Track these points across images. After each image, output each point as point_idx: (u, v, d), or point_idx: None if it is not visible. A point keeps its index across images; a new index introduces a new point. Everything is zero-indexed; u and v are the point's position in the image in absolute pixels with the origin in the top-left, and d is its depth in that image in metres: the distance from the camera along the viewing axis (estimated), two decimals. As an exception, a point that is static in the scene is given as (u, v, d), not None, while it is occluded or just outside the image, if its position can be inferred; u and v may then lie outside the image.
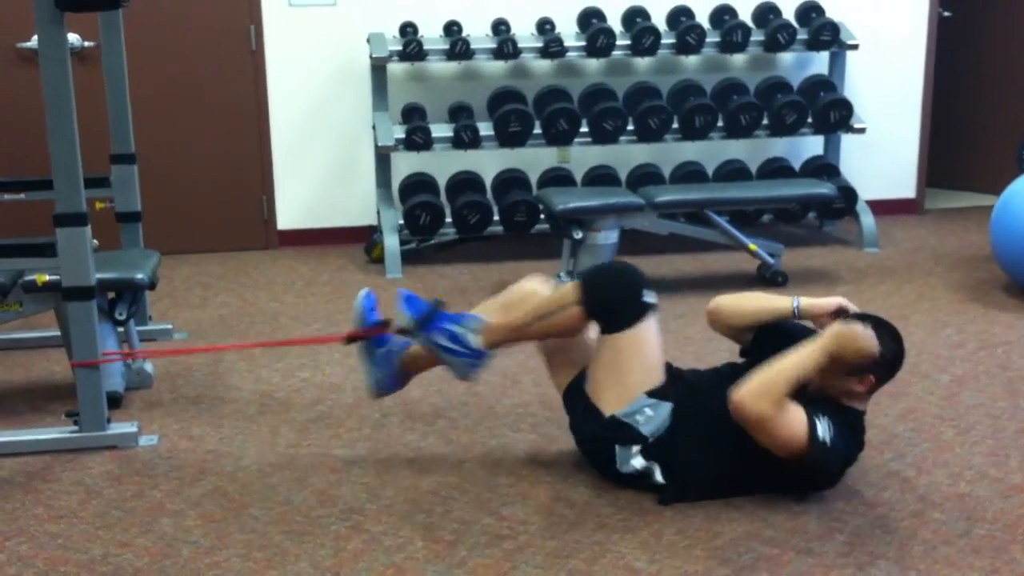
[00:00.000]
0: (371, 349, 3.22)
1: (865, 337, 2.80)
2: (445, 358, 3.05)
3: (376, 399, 3.36)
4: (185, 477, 3.16)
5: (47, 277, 3.41)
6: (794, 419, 2.77)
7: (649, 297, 2.98)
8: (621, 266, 3.12)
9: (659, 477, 2.94)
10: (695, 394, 3.00)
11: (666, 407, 2.94)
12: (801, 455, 2.79)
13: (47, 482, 3.14)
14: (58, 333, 3.77)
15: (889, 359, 2.89)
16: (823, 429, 2.79)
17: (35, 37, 3.20)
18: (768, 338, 3.07)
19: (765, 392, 2.75)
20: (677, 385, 3.01)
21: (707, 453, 2.92)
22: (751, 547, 2.71)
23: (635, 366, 2.96)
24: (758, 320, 3.14)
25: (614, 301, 2.97)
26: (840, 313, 2.98)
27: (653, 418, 2.93)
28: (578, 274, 3.08)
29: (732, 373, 3.09)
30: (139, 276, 3.70)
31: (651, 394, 2.94)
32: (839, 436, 2.83)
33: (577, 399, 3.07)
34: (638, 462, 2.95)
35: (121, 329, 3.79)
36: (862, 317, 2.93)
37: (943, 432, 3.43)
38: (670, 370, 3.07)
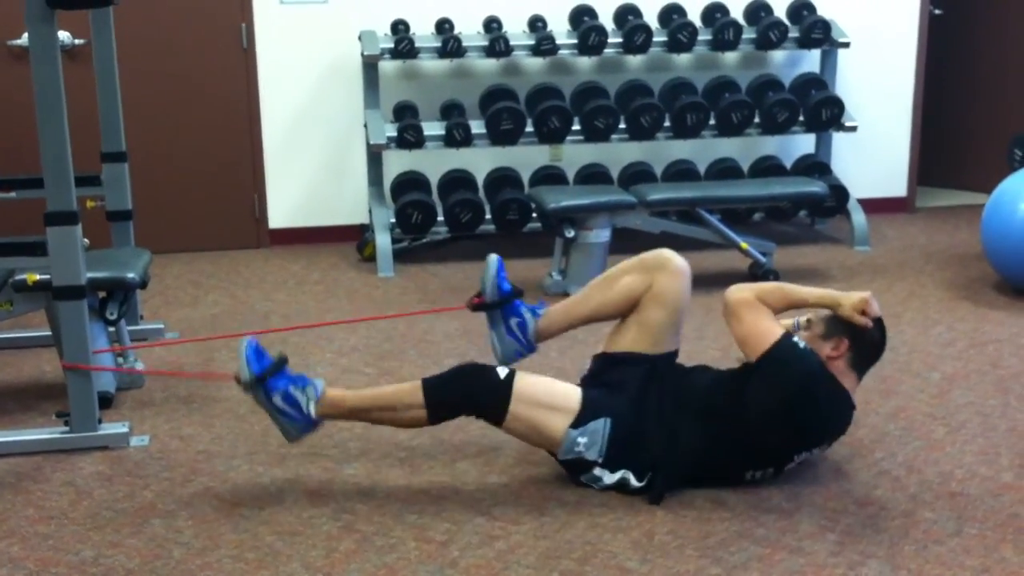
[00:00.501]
0: (501, 318, 3.20)
1: (865, 299, 2.93)
2: (276, 419, 2.95)
3: (507, 366, 3.17)
4: (176, 477, 3.15)
5: (38, 276, 3.40)
6: (769, 319, 2.93)
7: (503, 372, 2.96)
8: (458, 371, 3.01)
9: (634, 482, 2.96)
10: (664, 383, 3.02)
11: (598, 424, 2.93)
12: (770, 350, 2.86)
13: (38, 483, 3.13)
14: (49, 332, 3.77)
15: (868, 338, 2.96)
16: (799, 340, 2.90)
17: (26, 34, 3.19)
18: None
19: (751, 287, 3.01)
20: (633, 379, 3.02)
21: (685, 436, 2.94)
22: (743, 546, 2.71)
23: (542, 419, 2.94)
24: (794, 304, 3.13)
25: (472, 403, 2.95)
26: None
27: (591, 442, 2.93)
28: (424, 381, 2.97)
29: (705, 369, 3.16)
30: (130, 275, 3.69)
31: (573, 426, 2.93)
32: (816, 360, 2.89)
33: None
34: (608, 477, 2.97)
35: (112, 328, 3.78)
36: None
37: (934, 431, 3.44)
38: (605, 364, 3.12)
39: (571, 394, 2.99)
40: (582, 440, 2.93)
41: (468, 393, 2.95)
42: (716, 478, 2.99)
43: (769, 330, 2.90)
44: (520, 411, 2.93)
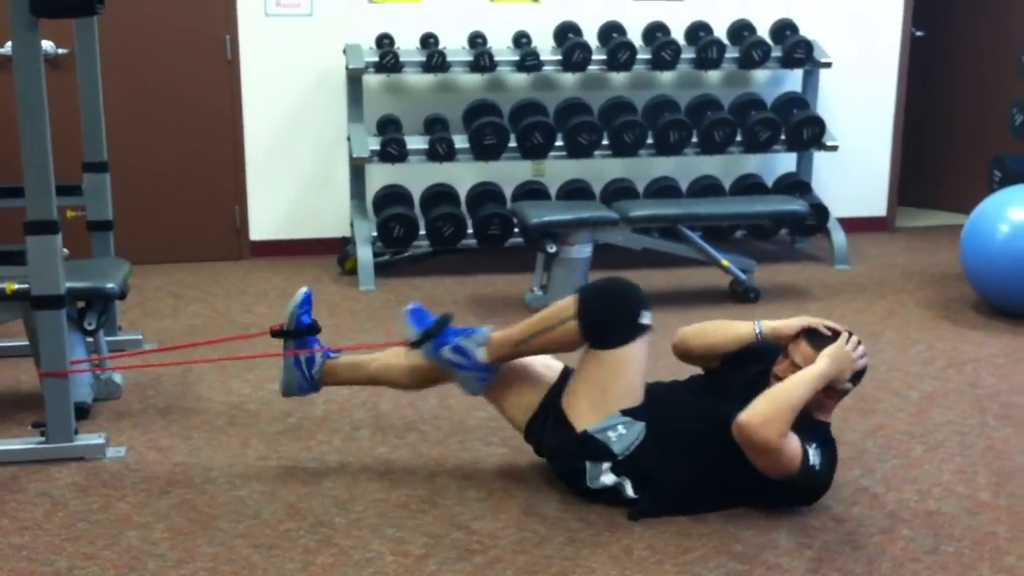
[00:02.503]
0: (292, 348, 3.24)
1: (860, 356, 2.91)
2: (452, 373, 3.05)
3: (283, 396, 3.33)
4: (153, 489, 3.13)
5: (16, 285, 3.38)
6: (794, 448, 2.80)
7: (645, 319, 2.96)
8: (622, 285, 3.03)
9: (630, 492, 2.94)
10: (666, 408, 3.00)
11: (639, 426, 2.93)
12: (790, 478, 2.83)
13: (12, 493, 3.10)
14: (26, 342, 3.74)
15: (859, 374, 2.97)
16: (813, 455, 2.84)
17: (9, 43, 3.18)
18: (734, 359, 3.14)
19: (772, 420, 2.75)
20: (650, 401, 3.01)
21: (678, 467, 2.92)
22: (721, 562, 2.71)
23: (617, 385, 2.94)
24: (725, 350, 3.15)
25: (610, 319, 2.94)
26: (807, 333, 2.98)
27: (625, 436, 2.92)
28: (579, 287, 3.06)
29: (703, 386, 3.12)
30: (109, 285, 3.67)
31: (626, 412, 2.94)
32: (826, 461, 2.88)
33: (546, 417, 3.05)
34: (608, 478, 2.94)
35: (90, 339, 3.76)
36: (835, 332, 2.96)
37: (912, 449, 3.45)
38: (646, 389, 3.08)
39: (642, 389, 3.00)
40: (621, 429, 2.92)
41: (616, 308, 2.94)
42: (701, 510, 2.97)
43: (788, 464, 2.81)
44: (613, 361, 2.93)
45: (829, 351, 2.88)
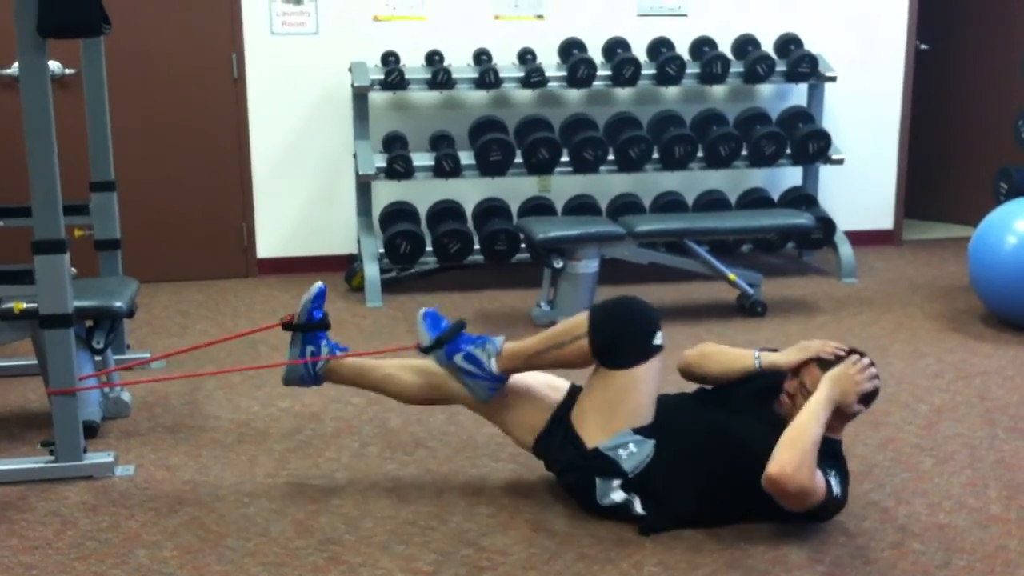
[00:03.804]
0: (300, 341, 3.24)
1: (868, 378, 2.87)
2: (463, 380, 3.05)
3: (284, 384, 3.33)
4: (162, 507, 3.13)
5: (24, 305, 3.39)
6: (821, 485, 2.78)
7: (658, 339, 2.95)
8: (634, 305, 3.02)
9: (639, 509, 2.93)
10: (674, 423, 2.99)
11: (649, 444, 2.92)
12: (816, 510, 2.83)
13: (22, 512, 3.10)
14: (35, 361, 3.75)
15: (871, 396, 2.93)
16: (835, 484, 2.83)
17: (16, 64, 3.19)
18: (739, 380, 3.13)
19: (801, 464, 2.71)
20: (658, 416, 3.00)
21: (687, 483, 2.92)
22: (731, 578, 2.70)
23: (628, 403, 2.94)
24: (726, 379, 3.13)
25: (621, 340, 2.94)
26: (810, 363, 2.96)
27: (636, 454, 2.91)
28: (591, 306, 3.07)
29: (711, 400, 3.11)
30: (117, 304, 3.68)
31: (637, 431, 2.93)
32: (843, 485, 2.87)
33: (555, 433, 3.04)
34: (618, 495, 2.93)
35: (98, 358, 3.76)
36: (847, 349, 2.95)
37: (922, 462, 3.44)
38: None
39: (653, 408, 2.98)
40: (632, 447, 2.91)
41: (627, 329, 2.94)
42: (712, 524, 2.96)
43: (816, 499, 2.79)
44: (625, 381, 2.92)
45: (831, 374, 2.86)
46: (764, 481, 2.73)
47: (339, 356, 3.27)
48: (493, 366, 3.01)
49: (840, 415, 2.89)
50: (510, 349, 3.04)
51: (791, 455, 2.71)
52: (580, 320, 2.98)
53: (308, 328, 3.25)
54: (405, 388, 3.26)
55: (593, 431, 2.95)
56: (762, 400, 2.99)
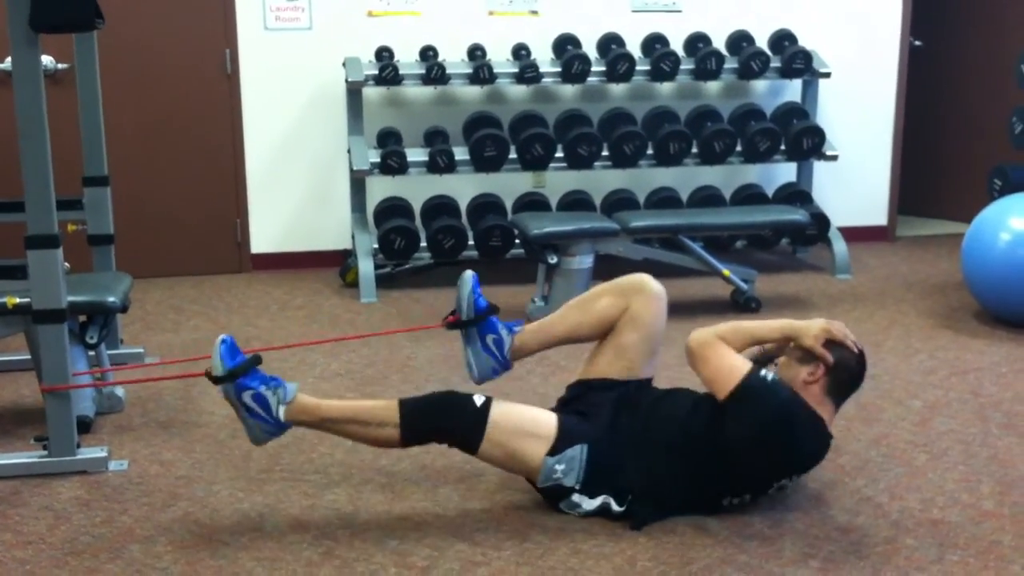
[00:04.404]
0: (477, 335, 3.17)
1: (835, 331, 2.94)
2: (244, 418, 2.90)
3: (478, 384, 3.23)
4: (155, 503, 3.13)
5: (17, 300, 3.38)
6: (734, 356, 2.88)
7: (479, 400, 2.93)
8: (435, 399, 2.99)
9: (616, 507, 2.94)
10: (633, 414, 3.00)
11: (575, 451, 2.91)
12: (739, 386, 2.82)
13: (15, 507, 3.09)
14: (28, 356, 3.74)
15: (845, 364, 2.95)
16: (767, 373, 2.86)
17: (9, 59, 3.18)
18: None
19: (710, 329, 2.94)
20: (614, 409, 3.00)
21: (655, 468, 2.93)
22: (725, 572, 2.70)
23: (519, 447, 2.91)
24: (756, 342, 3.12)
25: (447, 429, 2.93)
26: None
27: (569, 469, 2.91)
28: (401, 402, 2.95)
29: (684, 392, 3.13)
30: (111, 299, 3.67)
31: (550, 454, 2.91)
32: (786, 390, 2.85)
33: None
34: (587, 503, 2.95)
35: (92, 353, 3.76)
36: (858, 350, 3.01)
37: (915, 458, 3.44)
38: (581, 391, 3.10)
39: (548, 421, 2.96)
40: (559, 467, 2.91)
41: (444, 422, 2.93)
42: (693, 505, 2.97)
43: (735, 366, 2.86)
44: (496, 439, 2.90)
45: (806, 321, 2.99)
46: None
47: (517, 332, 3.19)
48: (281, 414, 2.90)
49: (805, 364, 2.92)
50: (305, 403, 2.92)
51: (706, 328, 2.95)
52: (388, 408, 2.92)
53: (480, 319, 3.17)
54: (592, 327, 3.17)
55: (531, 475, 2.97)
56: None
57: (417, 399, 3.00)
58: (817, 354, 2.92)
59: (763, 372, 2.87)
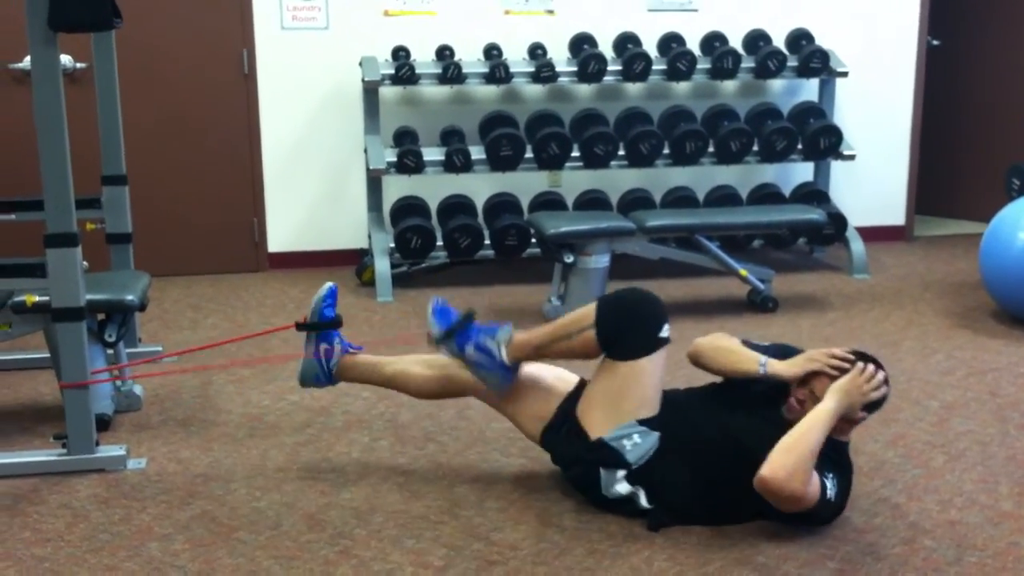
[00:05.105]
0: (313, 341, 3.27)
1: (874, 388, 2.85)
2: (475, 371, 3.06)
3: (301, 386, 3.39)
4: (173, 501, 3.14)
5: (37, 298, 3.40)
6: (815, 489, 2.76)
7: (664, 332, 2.95)
8: (641, 297, 3.02)
9: (644, 502, 2.93)
10: (680, 418, 2.98)
11: (654, 436, 2.92)
12: (806, 512, 2.80)
13: (34, 505, 3.11)
14: (47, 354, 3.76)
15: (876, 404, 2.91)
16: (831, 488, 2.81)
17: (27, 58, 3.20)
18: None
19: (795, 471, 2.69)
20: (665, 410, 3.00)
21: (686, 479, 2.91)
22: (742, 574, 2.70)
23: (633, 395, 2.93)
24: (731, 375, 3.08)
25: (627, 331, 2.94)
26: (812, 376, 2.93)
27: (640, 445, 2.91)
28: (599, 297, 3.09)
29: (719, 396, 3.09)
30: (129, 298, 3.69)
31: (642, 422, 2.92)
32: (841, 490, 2.85)
33: (561, 425, 3.04)
34: (623, 487, 2.94)
35: (110, 351, 3.77)
36: (854, 359, 2.91)
37: (933, 458, 3.43)
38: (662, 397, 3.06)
39: (658, 400, 2.98)
40: (636, 438, 2.91)
41: (633, 327, 2.93)
42: (714, 521, 2.96)
43: (809, 503, 2.76)
44: (630, 371, 2.92)
45: (838, 385, 2.83)
46: (756, 482, 2.72)
47: (352, 353, 3.28)
48: (504, 355, 3.01)
49: (846, 423, 2.87)
50: (519, 339, 3.04)
51: (785, 460, 2.70)
52: (588, 311, 2.98)
53: (321, 327, 3.27)
54: (419, 382, 3.27)
55: (598, 422, 2.95)
56: (773, 402, 2.97)
57: (614, 297, 3.04)
58: (871, 411, 2.90)
59: (829, 494, 2.79)
